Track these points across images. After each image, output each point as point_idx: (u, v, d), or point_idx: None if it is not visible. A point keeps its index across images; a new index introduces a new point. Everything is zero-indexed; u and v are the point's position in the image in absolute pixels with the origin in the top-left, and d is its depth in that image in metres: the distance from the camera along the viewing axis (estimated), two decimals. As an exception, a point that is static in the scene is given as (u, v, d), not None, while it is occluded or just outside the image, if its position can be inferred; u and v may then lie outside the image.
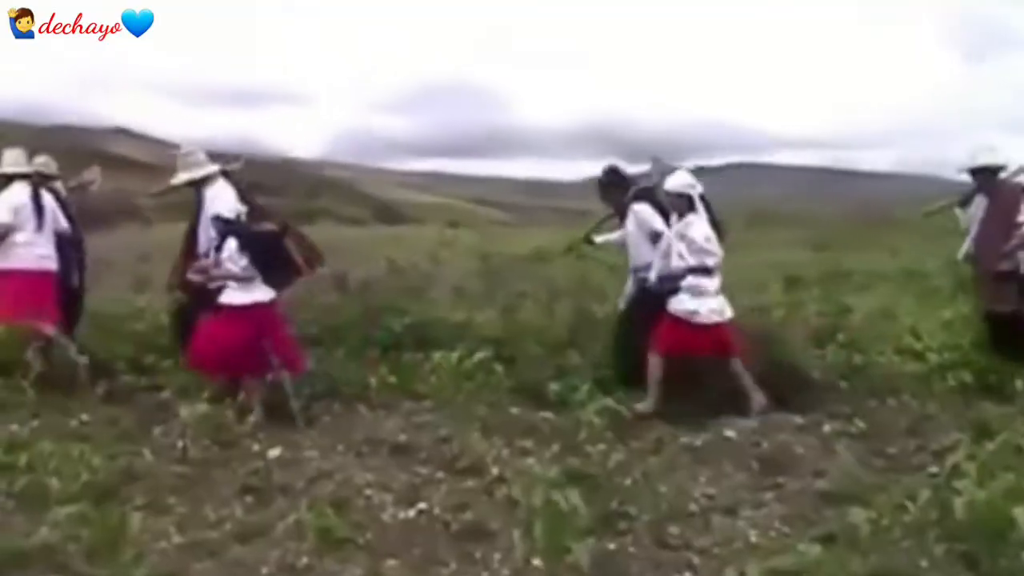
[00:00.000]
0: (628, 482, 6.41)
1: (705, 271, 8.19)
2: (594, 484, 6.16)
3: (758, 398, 8.16)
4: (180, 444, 7.09)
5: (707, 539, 5.56)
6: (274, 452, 7.12)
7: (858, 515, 5.23)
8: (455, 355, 8.87)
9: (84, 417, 8.09)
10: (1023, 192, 8.71)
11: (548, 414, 7.81)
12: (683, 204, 8.40)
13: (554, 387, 8.40)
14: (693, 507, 6.07)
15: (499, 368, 8.78)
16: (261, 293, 8.28)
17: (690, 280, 8.17)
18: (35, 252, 9.29)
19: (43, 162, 9.84)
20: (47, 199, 9.54)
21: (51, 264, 9.39)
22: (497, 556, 5.30)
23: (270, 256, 8.29)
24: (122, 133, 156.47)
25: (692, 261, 8.19)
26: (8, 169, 9.58)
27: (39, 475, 6.19)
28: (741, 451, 7.18)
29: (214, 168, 9.27)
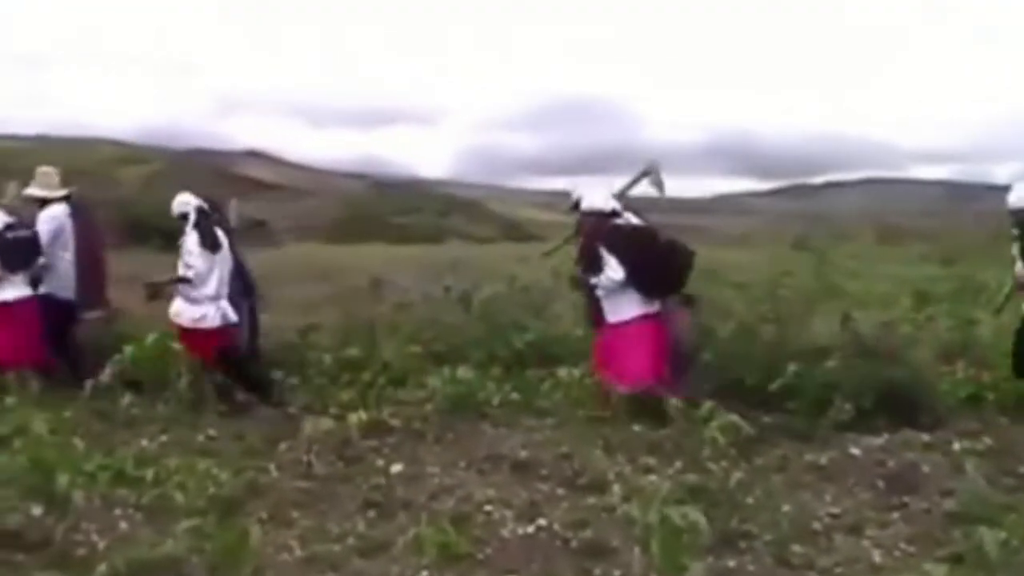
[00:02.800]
0: (750, 500, 6.33)
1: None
2: (715, 501, 6.12)
3: None
4: (304, 459, 7.22)
5: (830, 559, 5.48)
6: (397, 468, 7.17)
7: (987, 536, 5.13)
8: (578, 372, 8.87)
9: (211, 432, 8.26)
10: None
11: (670, 431, 7.79)
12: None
13: (676, 404, 8.35)
14: (816, 526, 5.99)
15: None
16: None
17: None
18: None
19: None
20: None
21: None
22: (616, 573, 5.28)
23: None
24: (254, 155, 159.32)
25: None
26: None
27: (166, 489, 6.34)
28: (867, 469, 7.06)
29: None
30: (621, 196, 9.23)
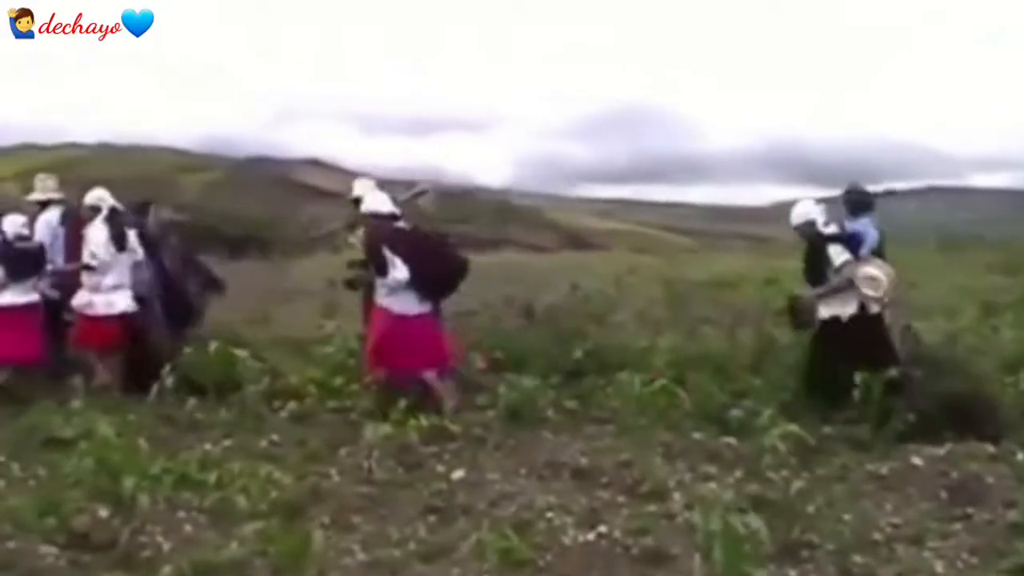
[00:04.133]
0: (811, 509, 6.28)
1: None
2: (776, 510, 6.09)
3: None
4: (366, 465, 7.26)
5: (892, 569, 5.45)
6: (458, 474, 7.21)
7: (1051, 548, 5.08)
8: (637, 380, 8.87)
9: (274, 438, 8.34)
10: None
11: (731, 440, 7.78)
12: None
13: (736, 413, 8.33)
14: (878, 536, 5.95)
15: (681, 393, 8.74)
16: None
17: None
18: None
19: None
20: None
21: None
22: (677, 581, 5.29)
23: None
24: (313, 163, 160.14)
25: None
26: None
27: (229, 492, 6.38)
28: (929, 480, 7.01)
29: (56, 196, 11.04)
30: (399, 206, 9.84)
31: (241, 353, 9.53)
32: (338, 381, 9.46)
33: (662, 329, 11.81)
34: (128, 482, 5.90)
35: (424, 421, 8.08)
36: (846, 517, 6.18)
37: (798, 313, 9.52)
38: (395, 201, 9.81)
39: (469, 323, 11.54)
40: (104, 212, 10.30)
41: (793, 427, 7.35)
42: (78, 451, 6.93)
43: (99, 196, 10.49)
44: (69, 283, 10.54)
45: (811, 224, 9.22)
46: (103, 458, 6.30)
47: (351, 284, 10.13)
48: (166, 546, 5.68)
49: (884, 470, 7.26)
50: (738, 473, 7.12)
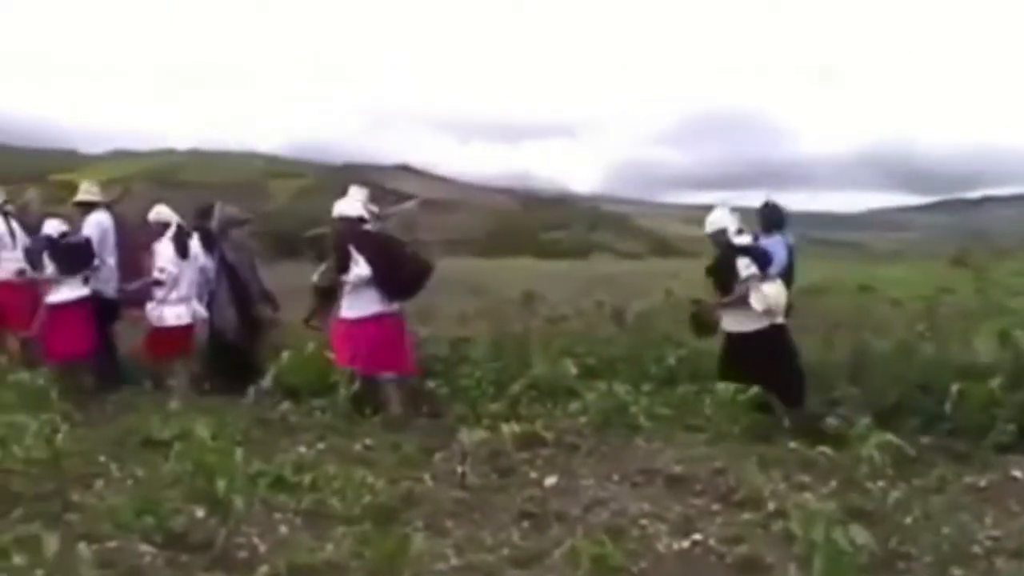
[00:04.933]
0: (908, 521, 6.18)
1: None
2: (873, 521, 6.00)
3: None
4: (459, 470, 7.26)
5: (991, 582, 5.35)
6: (551, 480, 7.18)
7: None
8: (732, 387, 8.81)
9: (368, 441, 8.38)
10: None
11: (826, 449, 7.67)
12: None
13: (832, 421, 8.25)
14: (977, 549, 5.82)
15: (776, 401, 8.67)
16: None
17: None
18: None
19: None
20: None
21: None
22: (773, 590, 5.23)
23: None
24: (405, 170, 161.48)
25: None
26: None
27: (324, 495, 6.46)
28: (1030, 492, 6.85)
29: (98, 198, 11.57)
30: (382, 217, 10.39)
31: (334, 357, 9.67)
32: (430, 386, 9.50)
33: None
34: (224, 483, 5.96)
35: (517, 427, 8.11)
36: (944, 529, 6.05)
37: (698, 320, 9.81)
38: (376, 214, 10.29)
39: (560, 329, 11.54)
40: (172, 229, 10.82)
41: (890, 437, 7.25)
42: (175, 452, 7.05)
43: (162, 212, 11.01)
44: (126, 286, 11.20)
45: (723, 232, 9.42)
46: (200, 460, 6.36)
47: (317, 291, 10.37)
48: (262, 547, 5.72)
49: (983, 482, 7.11)
50: (833, 483, 7.02)
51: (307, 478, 6.77)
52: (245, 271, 11.64)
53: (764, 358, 9.09)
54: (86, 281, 11.05)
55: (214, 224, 11.53)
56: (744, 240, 9.38)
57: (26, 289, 11.51)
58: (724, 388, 8.72)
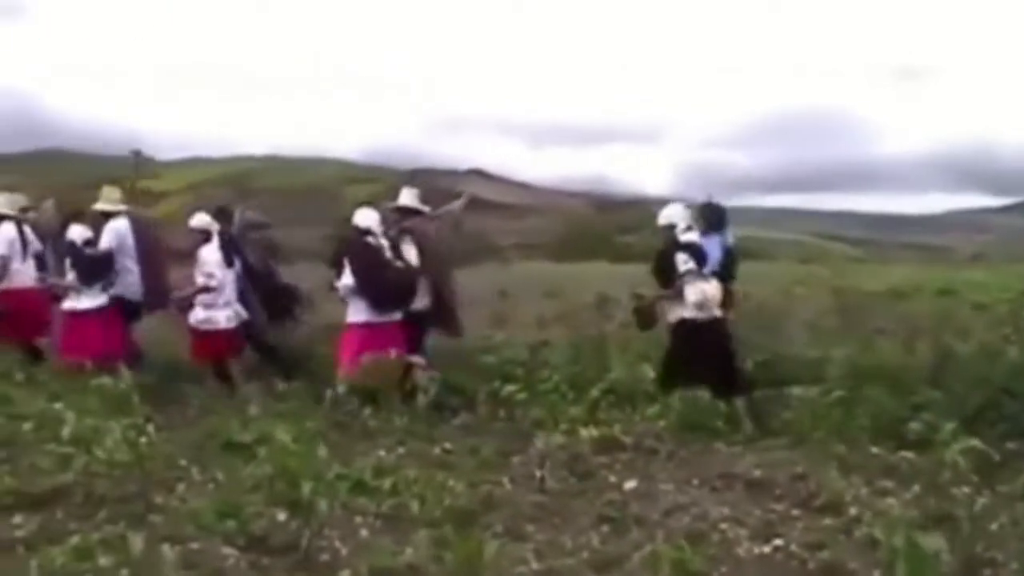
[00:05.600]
0: (994, 527, 6.09)
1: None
2: (957, 528, 5.93)
3: None
4: (538, 474, 7.27)
5: (1081, 590, 5.26)
6: (630, 484, 7.16)
7: None
8: (812, 392, 8.75)
9: (446, 446, 8.40)
10: None
11: (908, 454, 7.60)
12: None
13: (915, 426, 8.16)
14: (1064, 556, 5.74)
15: (857, 406, 8.60)
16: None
17: None
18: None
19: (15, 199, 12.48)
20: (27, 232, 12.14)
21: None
22: (856, 595, 5.18)
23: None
24: (477, 174, 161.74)
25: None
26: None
27: (404, 499, 6.49)
28: (1119, 498, 6.72)
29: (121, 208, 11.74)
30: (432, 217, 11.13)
31: (414, 361, 9.73)
32: (507, 390, 9.50)
33: (834, 340, 11.59)
34: (306, 487, 6.00)
35: (595, 431, 8.11)
36: (1031, 536, 5.99)
37: (640, 313, 9.98)
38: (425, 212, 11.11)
39: (638, 332, 11.48)
40: (216, 236, 11.21)
41: (974, 442, 7.17)
42: (257, 456, 7.12)
43: (204, 220, 11.33)
44: (148, 287, 11.57)
45: (672, 228, 9.59)
46: (282, 463, 6.42)
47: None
48: (343, 550, 5.76)
49: (1071, 488, 6.98)
50: (916, 488, 6.91)
51: (387, 482, 6.82)
52: (265, 273, 12.04)
53: (708, 348, 9.33)
54: (104, 290, 11.37)
55: (234, 228, 11.85)
56: (688, 237, 9.54)
57: (37, 296, 11.99)
58: (805, 393, 8.67)
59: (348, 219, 10.70)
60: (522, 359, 10.49)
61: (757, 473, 7.29)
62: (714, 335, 9.41)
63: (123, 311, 11.52)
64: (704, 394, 9.13)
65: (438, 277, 10.86)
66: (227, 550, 5.68)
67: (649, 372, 9.88)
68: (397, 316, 10.37)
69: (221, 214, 11.69)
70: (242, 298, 11.38)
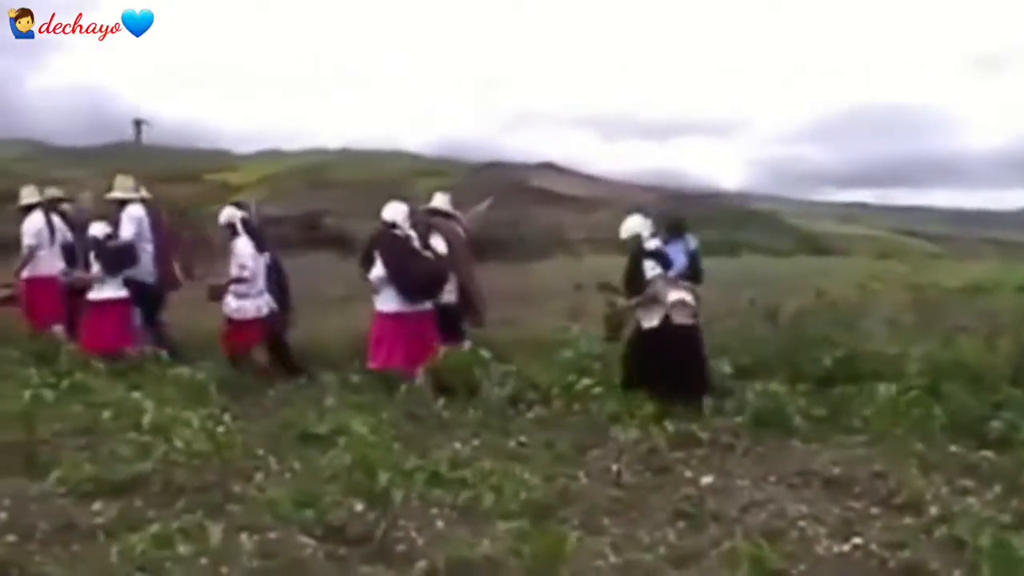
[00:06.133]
0: (1082, 529, 5.99)
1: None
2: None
3: None
4: (614, 468, 7.24)
5: None
6: (707, 480, 7.12)
7: None
8: (891, 389, 8.64)
9: (522, 439, 8.41)
10: None
11: (989, 453, 7.49)
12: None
13: (995, 425, 8.04)
14: None
15: (937, 403, 8.48)
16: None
17: None
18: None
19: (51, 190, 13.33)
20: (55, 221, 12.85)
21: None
22: (938, 596, 5.11)
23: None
24: (549, 168, 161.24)
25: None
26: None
27: (480, 491, 6.49)
28: None
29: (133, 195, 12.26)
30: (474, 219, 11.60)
31: (488, 355, 9.73)
32: (582, 384, 9.48)
33: (913, 337, 11.44)
34: (383, 478, 6.02)
35: (671, 426, 8.08)
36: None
37: (611, 322, 10.22)
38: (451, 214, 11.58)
39: (712, 327, 11.41)
40: (240, 226, 11.52)
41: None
42: (334, 447, 7.16)
43: (231, 214, 11.62)
44: (161, 268, 12.23)
45: (636, 238, 9.69)
46: (359, 454, 6.45)
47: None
48: (420, 541, 5.76)
49: None
50: (997, 488, 6.80)
51: (463, 474, 6.83)
52: (280, 268, 12.23)
53: (683, 351, 9.38)
54: (126, 283, 11.85)
55: (255, 222, 12.13)
56: (653, 245, 9.66)
57: (59, 285, 12.58)
58: (884, 390, 8.58)
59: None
60: (597, 352, 10.44)
61: (835, 470, 7.21)
62: (690, 338, 9.48)
63: (137, 295, 11.99)
64: (779, 389, 9.08)
65: (463, 271, 11.22)
66: (304, 540, 5.71)
67: (726, 367, 9.84)
68: (428, 306, 10.67)
69: (239, 209, 11.93)
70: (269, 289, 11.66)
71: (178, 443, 6.92)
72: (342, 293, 15.62)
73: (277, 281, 11.86)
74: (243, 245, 11.37)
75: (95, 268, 11.73)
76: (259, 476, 7.09)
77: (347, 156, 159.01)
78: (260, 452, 7.65)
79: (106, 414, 7.98)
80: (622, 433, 7.73)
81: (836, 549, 5.73)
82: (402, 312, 10.50)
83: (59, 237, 12.83)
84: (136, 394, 8.66)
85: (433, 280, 10.66)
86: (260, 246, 11.56)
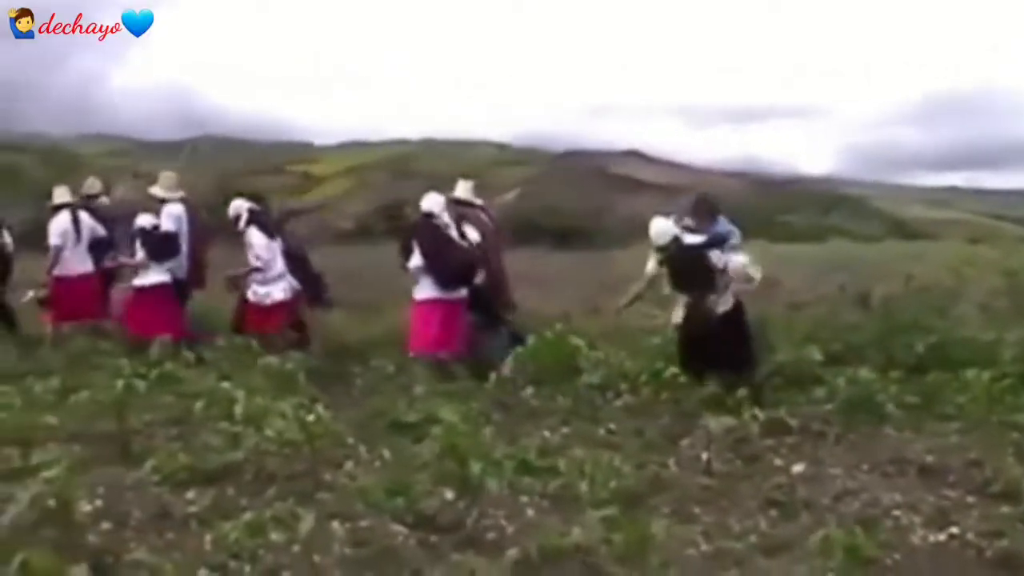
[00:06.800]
0: None
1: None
2: None
3: None
4: (704, 456, 7.20)
5: None
6: (798, 468, 7.07)
7: None
8: (986, 375, 8.50)
9: (611, 426, 8.40)
10: None
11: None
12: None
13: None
14: None
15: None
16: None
17: None
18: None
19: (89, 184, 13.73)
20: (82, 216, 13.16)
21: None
22: (1035, 586, 5.03)
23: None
24: (633, 155, 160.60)
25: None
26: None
27: (571, 479, 6.49)
28: None
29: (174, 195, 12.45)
30: (500, 207, 11.24)
31: (576, 342, 9.72)
32: (670, 371, 9.43)
33: (1007, 322, 11.26)
34: (475, 467, 6.04)
35: (761, 413, 8.02)
36: None
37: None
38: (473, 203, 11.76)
39: (802, 314, 11.33)
40: (245, 216, 11.93)
41: None
42: (424, 436, 7.20)
43: (238, 206, 12.10)
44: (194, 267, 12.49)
45: (675, 239, 9.43)
46: (449, 443, 6.47)
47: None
48: (510, 529, 5.79)
49: None
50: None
51: (552, 462, 6.83)
52: (299, 257, 12.64)
53: (734, 331, 9.47)
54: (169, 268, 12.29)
55: (274, 215, 12.75)
56: (698, 236, 9.49)
57: (85, 283, 13.13)
58: (978, 376, 8.44)
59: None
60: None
61: (929, 458, 7.11)
62: (740, 316, 9.56)
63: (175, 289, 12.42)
64: (870, 376, 8.97)
65: (493, 259, 11.49)
66: (395, 528, 5.76)
67: (816, 353, 9.74)
68: (463, 293, 11.03)
69: (256, 201, 12.42)
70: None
71: (269, 432, 6.97)
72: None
73: (300, 266, 12.32)
74: (255, 235, 11.80)
75: (140, 255, 12.17)
76: (349, 464, 7.17)
77: (430, 147, 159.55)
78: (350, 441, 7.70)
79: (198, 404, 8.08)
80: (712, 421, 7.67)
81: (931, 539, 5.66)
82: (439, 299, 10.88)
83: (85, 235, 13.21)
84: (226, 384, 8.75)
85: (469, 268, 11.00)
86: (270, 233, 11.95)
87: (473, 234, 11.21)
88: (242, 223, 11.90)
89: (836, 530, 5.42)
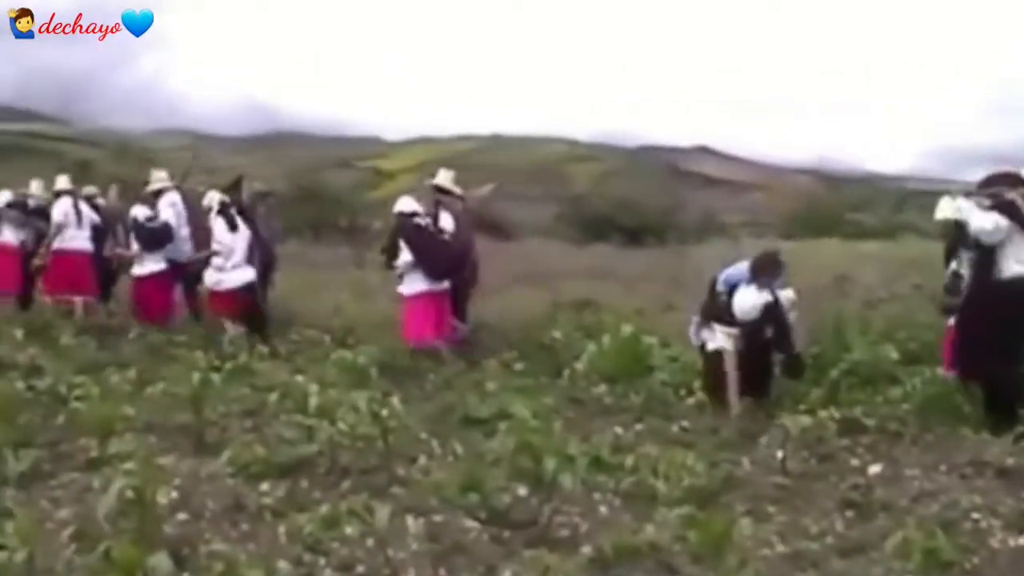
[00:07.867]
0: None
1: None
2: None
3: None
4: (779, 455, 7.15)
5: None
6: (875, 468, 7.00)
7: None
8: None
9: (685, 424, 8.38)
10: None
11: None
12: None
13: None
14: None
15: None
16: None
17: None
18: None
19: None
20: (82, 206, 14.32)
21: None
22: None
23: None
24: (704, 151, 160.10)
25: None
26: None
27: (643, 476, 6.47)
28: None
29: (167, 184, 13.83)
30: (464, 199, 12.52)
31: (649, 340, 9.68)
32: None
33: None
34: (549, 463, 6.04)
35: (837, 413, 7.94)
36: None
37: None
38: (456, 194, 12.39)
39: (877, 312, 11.19)
40: (215, 207, 12.57)
41: None
42: (496, 431, 7.20)
43: (211, 198, 12.93)
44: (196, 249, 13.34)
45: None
46: (522, 439, 6.47)
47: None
48: (583, 527, 5.80)
49: None
50: None
51: (626, 459, 6.81)
52: (267, 239, 13.34)
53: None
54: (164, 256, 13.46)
55: (244, 200, 13.05)
56: (764, 294, 9.05)
57: (82, 260, 14.12)
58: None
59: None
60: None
61: (1010, 461, 6.97)
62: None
63: (173, 271, 13.58)
64: (947, 376, 8.85)
65: (464, 248, 12.11)
66: (469, 523, 5.79)
67: (892, 352, 9.60)
68: (446, 285, 11.67)
69: (234, 186, 13.05)
70: (249, 261, 12.57)
71: (342, 426, 7.00)
72: (498, 278, 15.70)
73: (260, 258, 12.79)
74: (217, 225, 12.45)
75: (134, 246, 13.48)
76: (423, 459, 7.21)
77: (498, 142, 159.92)
78: (423, 435, 7.74)
79: (272, 397, 8.14)
80: (787, 420, 7.61)
81: (1012, 542, 5.57)
82: (426, 291, 11.49)
83: (86, 219, 14.26)
84: (299, 377, 8.85)
85: (456, 262, 11.77)
86: (232, 223, 12.44)
87: (448, 223, 11.78)
88: (212, 214, 12.55)
89: (914, 532, 5.36)
